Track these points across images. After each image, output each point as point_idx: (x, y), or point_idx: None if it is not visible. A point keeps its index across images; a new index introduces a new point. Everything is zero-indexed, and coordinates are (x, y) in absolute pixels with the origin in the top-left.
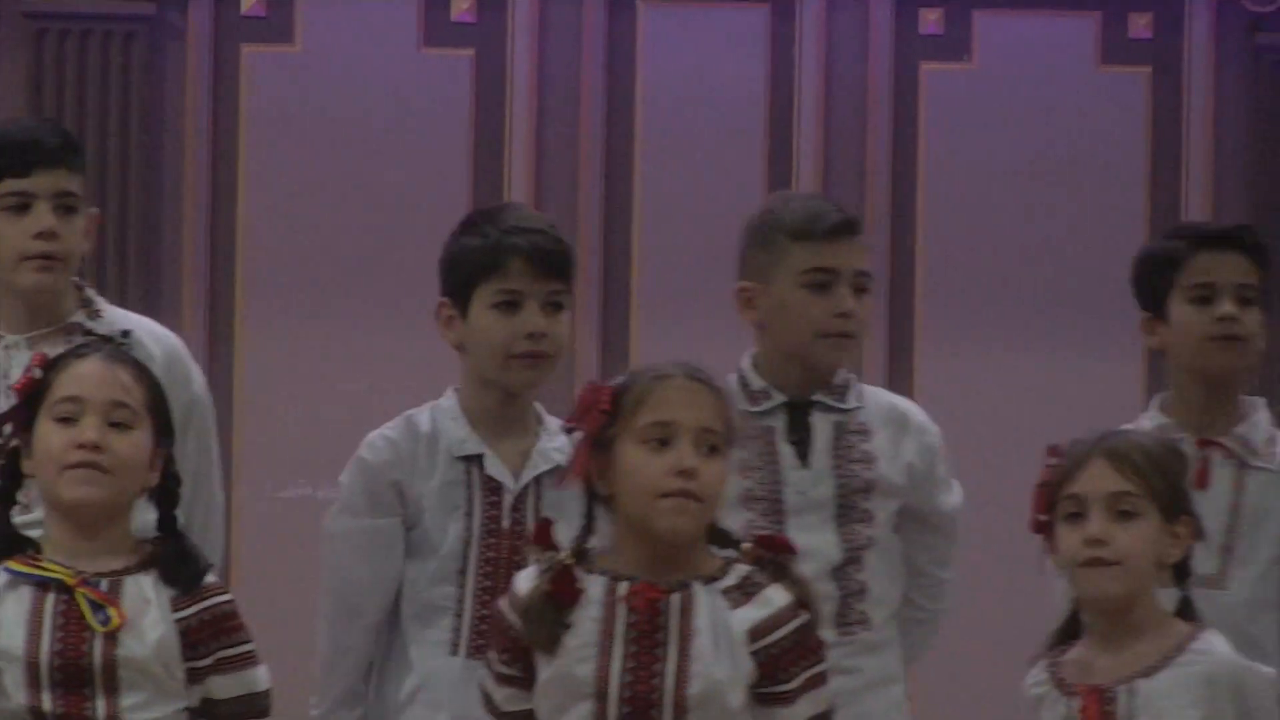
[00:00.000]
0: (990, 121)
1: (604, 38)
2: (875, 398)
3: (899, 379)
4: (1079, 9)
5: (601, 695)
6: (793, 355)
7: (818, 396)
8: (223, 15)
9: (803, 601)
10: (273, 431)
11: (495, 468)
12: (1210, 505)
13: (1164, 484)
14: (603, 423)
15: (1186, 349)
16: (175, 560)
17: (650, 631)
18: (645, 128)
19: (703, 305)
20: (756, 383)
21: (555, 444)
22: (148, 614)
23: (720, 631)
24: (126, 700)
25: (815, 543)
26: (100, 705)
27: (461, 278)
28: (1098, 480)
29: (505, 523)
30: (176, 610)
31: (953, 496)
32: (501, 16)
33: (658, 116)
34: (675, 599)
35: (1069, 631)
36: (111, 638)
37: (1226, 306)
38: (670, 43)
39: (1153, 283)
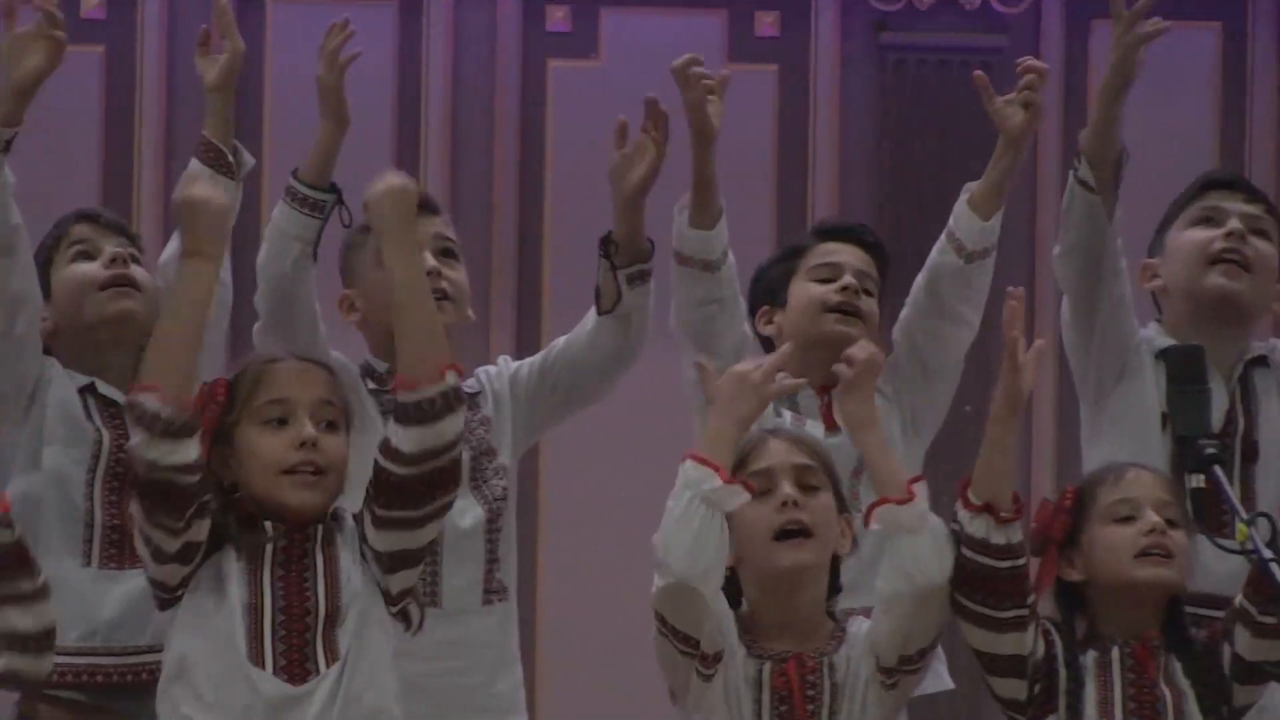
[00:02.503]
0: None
1: None
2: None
3: None
4: (706, 7)
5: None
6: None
7: None
8: None
9: None
10: None
11: (107, 389)
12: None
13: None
14: (220, 413)
15: (804, 317)
16: None
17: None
18: (275, 126)
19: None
20: (380, 366)
21: None
22: None
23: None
24: None
25: (463, 501)
26: None
27: None
28: (783, 454)
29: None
30: None
31: None
32: (131, 14)
33: (287, 114)
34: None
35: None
36: None
37: (848, 280)
38: (299, 40)
39: (773, 275)
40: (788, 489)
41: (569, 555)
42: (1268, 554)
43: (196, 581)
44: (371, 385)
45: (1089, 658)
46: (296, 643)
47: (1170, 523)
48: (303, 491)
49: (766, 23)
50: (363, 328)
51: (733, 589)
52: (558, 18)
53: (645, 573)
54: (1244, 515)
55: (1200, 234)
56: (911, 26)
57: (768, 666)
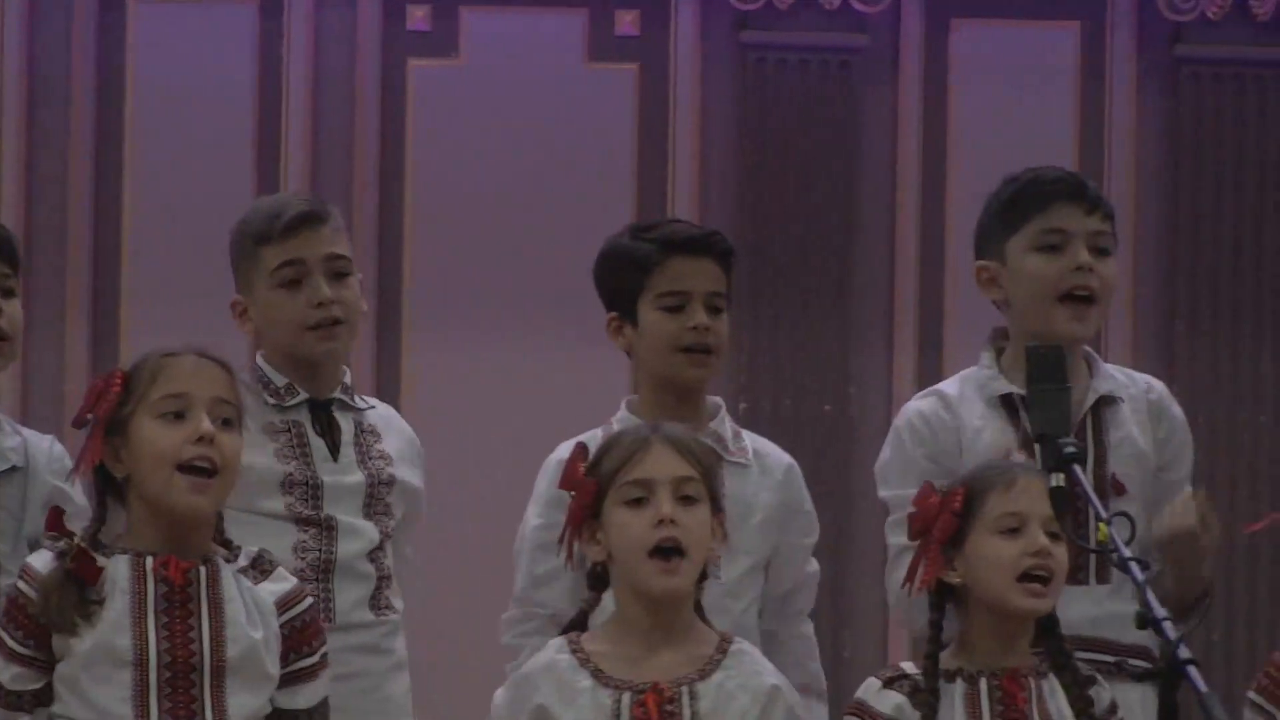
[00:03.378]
0: (479, 118)
1: (94, 34)
2: (381, 408)
3: (388, 373)
4: (566, 5)
5: (141, 662)
6: (288, 355)
7: (337, 395)
8: None
9: None
10: None
11: None
12: None
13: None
14: (115, 404)
15: (656, 356)
16: None
17: (184, 601)
18: (136, 126)
19: (194, 298)
20: (279, 379)
21: (10, 443)
22: None
23: (249, 600)
24: None
25: (359, 525)
26: None
27: None
28: (663, 466)
29: None
30: None
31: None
32: None
33: (149, 114)
34: (203, 570)
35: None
36: None
37: (699, 316)
38: (161, 39)
39: (621, 284)
40: (666, 507)
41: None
42: (1127, 553)
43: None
44: (270, 400)
45: (957, 689)
46: (183, 699)
47: (1054, 536)
48: (193, 496)
49: (626, 21)
50: (255, 337)
51: (602, 580)
52: (418, 16)
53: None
54: (1104, 514)
55: (1047, 266)
56: (772, 25)
57: (626, 698)
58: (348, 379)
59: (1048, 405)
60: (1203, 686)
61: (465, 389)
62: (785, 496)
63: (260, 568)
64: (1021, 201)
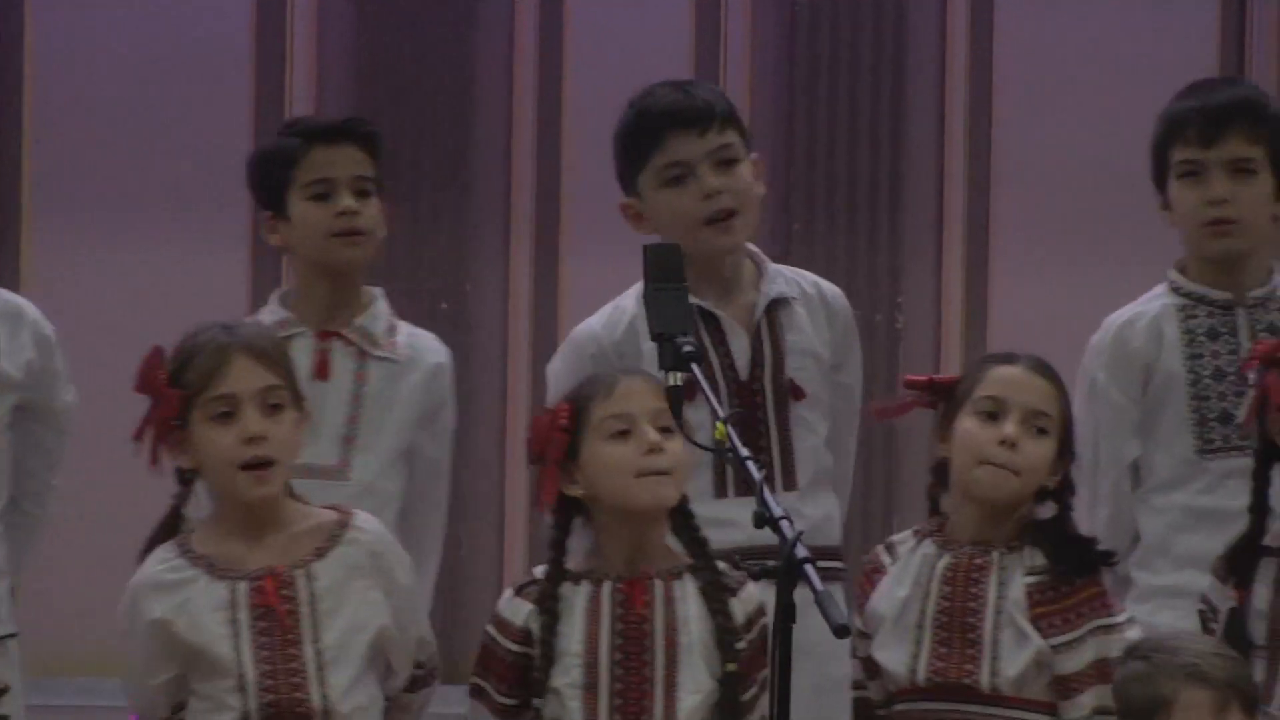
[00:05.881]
0: (103, 10)
1: None
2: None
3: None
4: None
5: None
6: None
7: None
8: None
9: None
10: None
11: None
12: (333, 396)
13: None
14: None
15: (309, 244)
16: None
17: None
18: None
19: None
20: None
21: None
22: None
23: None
24: None
25: None
26: None
27: None
28: (246, 379)
29: None
30: None
31: (69, 395)
32: None
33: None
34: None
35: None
36: None
37: (346, 200)
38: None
39: (270, 181)
40: (254, 425)
41: None
42: (744, 451)
43: None
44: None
45: (581, 593)
46: None
47: (665, 430)
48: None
49: None
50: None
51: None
52: None
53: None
54: (720, 414)
55: (678, 200)
56: None
57: (242, 586)
58: None
59: (665, 304)
60: (819, 585)
61: (88, 286)
62: (427, 395)
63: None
64: (637, 139)
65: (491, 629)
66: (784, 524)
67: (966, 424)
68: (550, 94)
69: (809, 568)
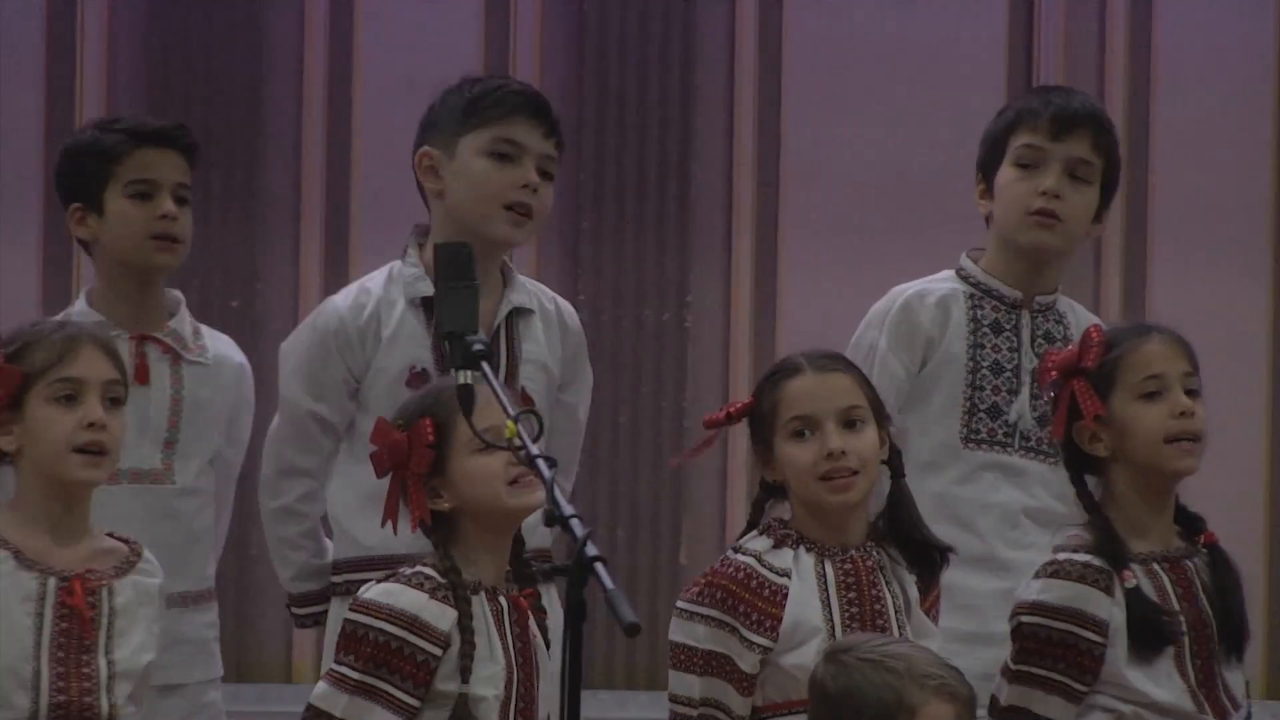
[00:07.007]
0: None
1: None
2: None
3: None
4: None
5: None
6: None
7: None
8: None
9: None
10: None
11: None
12: (154, 400)
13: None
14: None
15: (125, 243)
16: None
17: None
18: None
19: None
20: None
21: None
22: None
23: None
24: None
25: None
26: None
27: None
28: (94, 368)
29: None
30: None
31: None
32: None
33: None
34: None
35: None
36: None
37: (168, 205)
38: None
39: (85, 174)
40: (96, 411)
41: None
42: (534, 450)
43: None
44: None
45: (479, 602)
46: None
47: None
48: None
49: None
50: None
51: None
52: None
53: None
54: (511, 412)
55: (495, 174)
56: None
57: (52, 582)
58: None
59: (456, 302)
60: (609, 583)
61: None
62: (234, 397)
63: None
64: (485, 105)
65: (400, 630)
66: (574, 523)
67: (788, 450)
68: (340, 94)
69: (599, 566)
